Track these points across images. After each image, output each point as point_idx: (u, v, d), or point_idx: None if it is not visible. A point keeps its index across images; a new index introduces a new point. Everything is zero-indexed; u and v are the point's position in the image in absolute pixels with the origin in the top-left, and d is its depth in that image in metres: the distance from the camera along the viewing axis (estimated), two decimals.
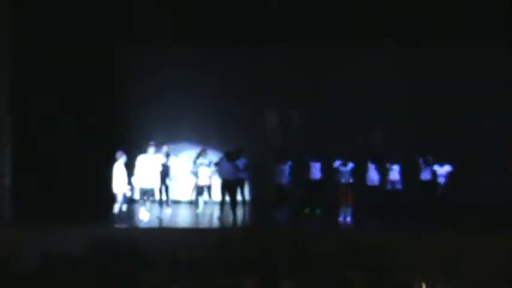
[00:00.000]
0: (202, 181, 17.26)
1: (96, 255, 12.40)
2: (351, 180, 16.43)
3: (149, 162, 15.82)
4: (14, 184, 15.40)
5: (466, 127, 18.51)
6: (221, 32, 18.05)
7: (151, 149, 15.90)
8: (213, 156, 17.88)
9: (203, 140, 18.89)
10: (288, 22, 17.62)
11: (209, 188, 17.44)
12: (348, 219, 16.24)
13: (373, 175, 16.83)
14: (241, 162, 17.02)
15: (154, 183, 16.04)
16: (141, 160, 15.83)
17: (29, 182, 15.73)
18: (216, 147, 18.75)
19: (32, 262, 11.86)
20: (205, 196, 17.55)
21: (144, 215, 15.81)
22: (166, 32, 18.03)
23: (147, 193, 15.86)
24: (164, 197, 17.22)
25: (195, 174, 17.32)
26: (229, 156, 16.67)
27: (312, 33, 17.96)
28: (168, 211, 17.17)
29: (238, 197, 17.16)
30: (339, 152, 16.74)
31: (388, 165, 16.81)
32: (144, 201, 15.87)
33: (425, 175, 17.00)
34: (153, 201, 16.24)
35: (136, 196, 16.48)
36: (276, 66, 19.27)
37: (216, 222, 16.44)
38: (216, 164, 17.16)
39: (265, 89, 19.33)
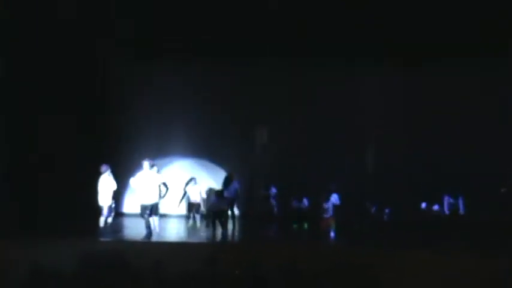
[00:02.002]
0: (193, 198, 17.60)
1: (83, 269, 12.23)
2: (332, 214, 16.34)
3: (147, 178, 15.67)
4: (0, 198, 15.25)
5: (464, 148, 18.37)
6: (212, 51, 18.15)
7: (146, 165, 15.71)
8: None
9: (193, 155, 18.80)
10: (281, 40, 17.73)
11: (199, 205, 17.64)
12: (331, 234, 16.17)
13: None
14: (232, 188, 17.22)
15: (155, 199, 15.80)
16: (139, 177, 15.69)
17: (16, 197, 15.59)
18: (205, 163, 19.02)
19: (18, 277, 11.67)
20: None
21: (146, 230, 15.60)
22: (158, 51, 18.13)
23: (147, 209, 15.61)
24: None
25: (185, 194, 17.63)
26: (220, 194, 16.64)
27: (306, 53, 18.15)
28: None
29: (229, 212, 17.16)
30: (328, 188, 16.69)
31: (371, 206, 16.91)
32: (145, 217, 15.59)
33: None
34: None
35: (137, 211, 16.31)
36: (268, 85, 19.22)
37: (204, 237, 16.35)
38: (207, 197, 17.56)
39: (256, 108, 19.29)
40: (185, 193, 17.78)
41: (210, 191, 17.65)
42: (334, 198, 16.71)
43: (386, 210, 17.13)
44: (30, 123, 16.51)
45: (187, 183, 17.81)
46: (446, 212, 16.61)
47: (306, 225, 17.21)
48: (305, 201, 17.18)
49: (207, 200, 17.55)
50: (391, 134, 18.82)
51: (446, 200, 16.76)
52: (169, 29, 17.64)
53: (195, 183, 17.78)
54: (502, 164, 17.98)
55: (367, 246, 14.99)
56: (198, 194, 17.67)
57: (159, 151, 18.05)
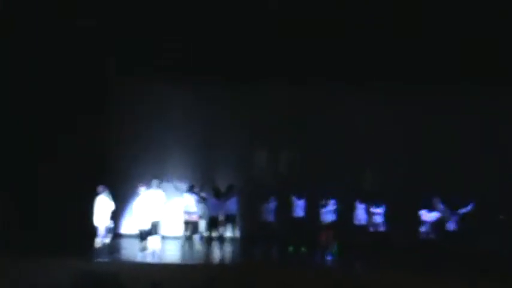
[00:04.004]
0: (190, 217, 17.26)
1: None
2: (333, 218, 16.37)
3: (144, 202, 15.77)
4: None
5: (456, 173, 18.32)
6: (210, 70, 18.14)
7: (142, 189, 15.87)
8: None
9: (190, 177, 18.54)
10: (279, 61, 17.73)
11: (196, 224, 17.35)
12: (329, 257, 16.19)
13: (360, 214, 16.81)
14: (233, 199, 17.03)
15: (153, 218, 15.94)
16: (136, 203, 15.84)
17: (12, 216, 15.54)
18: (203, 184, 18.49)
19: None
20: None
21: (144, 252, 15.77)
22: (154, 69, 18.17)
23: (145, 231, 15.79)
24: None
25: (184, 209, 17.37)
26: (217, 193, 16.55)
27: (304, 73, 18.20)
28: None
29: (228, 233, 17.15)
30: (327, 192, 16.66)
31: (372, 208, 16.83)
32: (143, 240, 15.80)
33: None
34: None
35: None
36: (266, 104, 19.16)
37: (201, 258, 16.30)
38: (203, 200, 17.28)
39: (254, 127, 19.20)
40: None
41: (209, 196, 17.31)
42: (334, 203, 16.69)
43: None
44: (23, 142, 16.49)
45: (187, 190, 17.47)
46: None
47: (303, 249, 17.11)
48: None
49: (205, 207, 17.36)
50: (390, 153, 18.87)
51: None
52: (166, 51, 17.75)
53: (193, 192, 17.44)
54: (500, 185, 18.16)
55: (361, 268, 15.17)
56: (194, 205, 17.27)
57: (157, 174, 17.78)
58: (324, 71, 18.00)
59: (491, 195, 17.85)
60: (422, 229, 16.43)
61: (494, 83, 18.08)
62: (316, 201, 16.69)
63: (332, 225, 16.36)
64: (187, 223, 17.31)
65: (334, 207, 16.49)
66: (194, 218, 17.25)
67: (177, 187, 17.28)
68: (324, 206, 16.44)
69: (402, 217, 16.89)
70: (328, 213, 16.41)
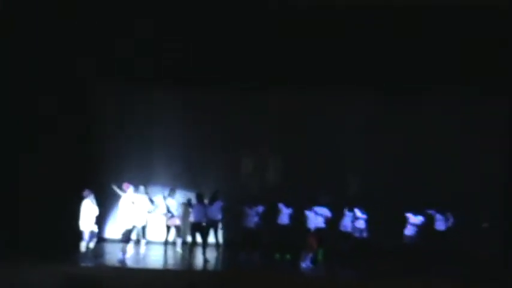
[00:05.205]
0: (172, 221, 17.28)
1: None
2: (319, 225, 16.32)
3: (130, 202, 15.82)
4: None
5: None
6: (198, 77, 18.16)
7: (129, 189, 15.91)
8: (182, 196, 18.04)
9: (176, 184, 18.53)
10: (267, 67, 17.71)
11: (178, 228, 17.40)
12: (313, 264, 16.09)
13: (346, 221, 16.75)
14: (217, 205, 16.88)
15: (137, 223, 16.05)
16: (123, 201, 15.86)
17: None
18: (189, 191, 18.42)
19: None
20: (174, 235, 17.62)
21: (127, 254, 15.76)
22: (144, 75, 18.21)
23: (129, 233, 15.82)
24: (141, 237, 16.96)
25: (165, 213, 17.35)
26: (201, 199, 16.62)
27: (290, 80, 18.17)
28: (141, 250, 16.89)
29: (212, 239, 16.97)
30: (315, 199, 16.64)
31: (357, 212, 16.74)
32: (127, 241, 15.78)
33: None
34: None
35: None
36: (253, 111, 19.12)
37: (184, 264, 16.30)
38: (186, 205, 17.35)
39: (242, 134, 19.17)
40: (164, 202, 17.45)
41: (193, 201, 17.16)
42: (324, 211, 16.57)
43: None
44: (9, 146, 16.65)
45: (168, 195, 17.51)
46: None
47: (288, 256, 16.99)
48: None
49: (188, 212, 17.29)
50: (376, 160, 18.78)
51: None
52: (157, 57, 17.79)
53: (174, 195, 17.54)
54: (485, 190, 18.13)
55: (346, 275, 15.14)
56: (176, 209, 17.36)
57: (143, 180, 17.78)
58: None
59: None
60: (408, 232, 16.54)
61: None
62: (303, 208, 16.61)
63: (317, 231, 16.26)
64: (169, 227, 17.34)
65: (321, 213, 16.42)
66: (176, 222, 17.30)
67: (152, 200, 17.27)
68: (311, 211, 16.42)
69: (392, 220, 16.90)
70: (315, 219, 16.35)
